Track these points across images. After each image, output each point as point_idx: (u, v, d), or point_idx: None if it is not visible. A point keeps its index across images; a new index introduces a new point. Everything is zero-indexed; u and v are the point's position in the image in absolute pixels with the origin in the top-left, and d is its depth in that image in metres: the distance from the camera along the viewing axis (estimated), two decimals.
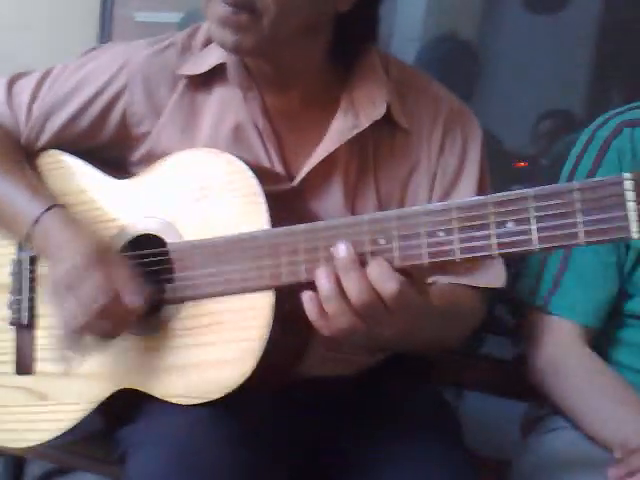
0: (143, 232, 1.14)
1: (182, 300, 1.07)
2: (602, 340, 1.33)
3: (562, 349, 1.30)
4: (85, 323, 1.03)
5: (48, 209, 1.13)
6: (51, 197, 1.17)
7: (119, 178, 1.19)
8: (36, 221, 1.13)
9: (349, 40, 1.16)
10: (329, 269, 0.92)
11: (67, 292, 1.05)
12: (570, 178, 1.34)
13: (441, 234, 0.88)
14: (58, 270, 1.07)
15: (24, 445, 1.20)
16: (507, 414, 1.67)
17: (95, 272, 1.04)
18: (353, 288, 0.90)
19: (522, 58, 2.10)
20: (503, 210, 0.85)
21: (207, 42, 1.22)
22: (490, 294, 1.22)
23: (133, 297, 1.04)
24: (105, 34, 2.30)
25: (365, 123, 1.14)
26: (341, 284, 0.91)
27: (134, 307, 1.04)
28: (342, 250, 0.91)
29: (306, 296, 0.92)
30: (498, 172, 1.27)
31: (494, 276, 1.20)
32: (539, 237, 0.82)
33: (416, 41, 2.20)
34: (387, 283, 0.89)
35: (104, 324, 1.04)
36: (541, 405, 1.42)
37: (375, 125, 1.15)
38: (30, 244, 1.16)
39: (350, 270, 0.90)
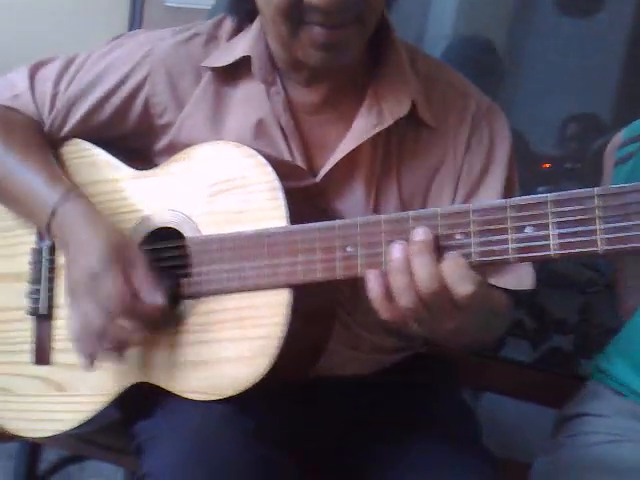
0: (162, 225, 1.13)
1: (199, 295, 1.07)
2: None
3: None
4: (102, 326, 1.03)
5: (65, 198, 1.13)
6: (70, 185, 1.17)
7: (140, 169, 1.19)
8: (53, 212, 1.13)
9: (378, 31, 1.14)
10: (405, 245, 0.89)
11: (84, 294, 1.05)
12: None
13: (458, 237, 0.87)
14: (75, 270, 1.08)
15: (41, 435, 1.21)
16: (524, 417, 1.67)
17: (112, 272, 1.04)
18: (423, 272, 0.87)
19: (552, 60, 2.08)
20: (522, 215, 0.83)
21: (233, 33, 1.21)
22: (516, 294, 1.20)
23: (153, 297, 1.03)
24: (135, 19, 2.31)
25: (389, 120, 1.13)
26: (411, 266, 0.88)
27: (154, 307, 1.03)
28: (419, 234, 0.88)
29: (371, 274, 0.90)
30: (524, 173, 1.25)
31: (524, 278, 1.15)
32: (558, 243, 0.81)
33: (447, 39, 2.19)
34: (462, 283, 0.86)
35: (123, 326, 1.03)
36: (564, 409, 1.41)
37: (400, 122, 1.14)
38: (50, 234, 1.16)
39: (425, 254, 0.87)
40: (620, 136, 1.46)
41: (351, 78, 1.17)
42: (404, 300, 0.89)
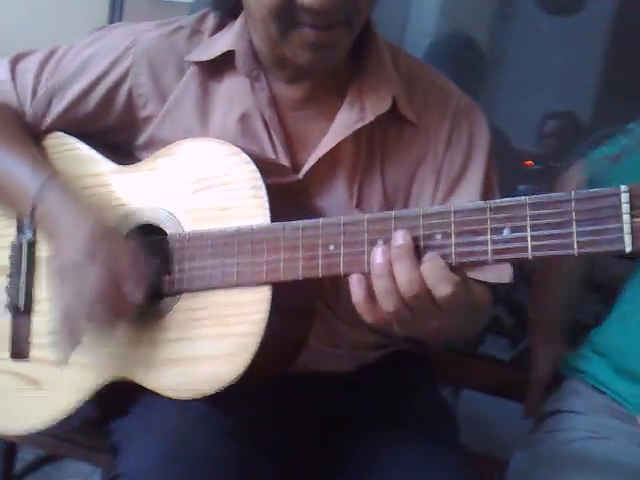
0: (144, 222, 1.13)
1: (179, 292, 1.07)
2: None
3: None
4: (83, 310, 1.02)
5: (50, 184, 1.12)
6: (54, 171, 1.16)
7: (122, 164, 1.18)
8: (38, 198, 1.12)
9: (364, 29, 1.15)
10: (385, 249, 0.89)
11: (68, 278, 1.04)
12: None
13: (438, 237, 0.87)
14: (60, 254, 1.07)
15: (17, 432, 1.20)
16: (503, 413, 1.68)
17: (96, 264, 1.03)
18: (404, 277, 0.87)
19: (532, 58, 2.10)
20: (501, 216, 0.84)
21: (216, 28, 1.21)
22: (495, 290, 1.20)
23: (133, 291, 1.03)
24: (116, 12, 2.30)
25: (370, 116, 1.13)
26: (393, 270, 0.89)
27: (132, 300, 1.03)
28: (398, 238, 0.89)
29: (354, 278, 0.90)
30: (505, 170, 1.26)
31: (503, 272, 1.17)
32: (534, 245, 0.82)
33: (429, 37, 2.20)
34: (442, 284, 0.87)
35: (103, 313, 1.03)
36: (542, 406, 1.42)
37: (382, 118, 1.14)
38: (34, 223, 1.15)
39: (405, 259, 0.88)
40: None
41: (334, 75, 1.17)
42: (387, 304, 0.89)
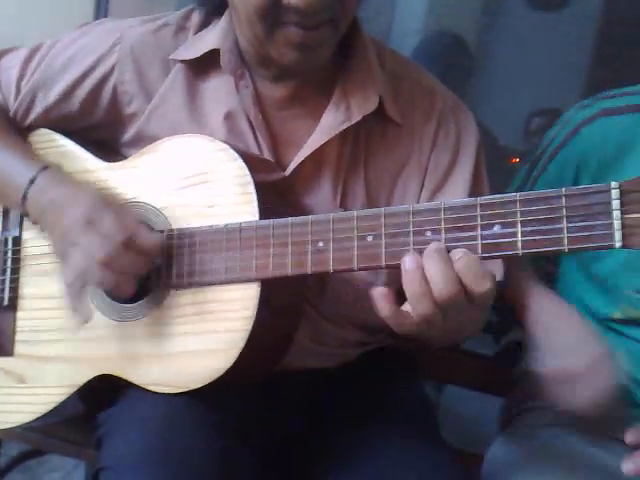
0: None
1: (168, 288, 1.07)
2: None
3: None
4: (108, 256, 1.00)
5: (43, 169, 1.13)
6: (47, 164, 1.15)
7: (109, 161, 1.18)
8: (32, 181, 1.12)
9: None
10: (416, 255, 0.88)
11: (83, 234, 1.03)
12: (544, 149, 1.35)
13: (428, 234, 0.88)
14: (73, 211, 1.05)
15: (3, 426, 1.20)
16: (486, 409, 1.68)
17: (109, 212, 1.03)
18: (439, 278, 0.86)
19: (519, 55, 2.10)
20: (491, 213, 0.84)
21: (202, 25, 1.20)
22: None
23: (150, 234, 1.03)
24: (102, 7, 2.28)
25: (357, 116, 1.13)
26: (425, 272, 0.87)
27: (153, 241, 1.03)
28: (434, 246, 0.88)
29: (377, 293, 0.89)
30: (494, 168, 1.26)
31: (497, 270, 1.15)
32: (523, 241, 0.82)
33: (415, 34, 2.20)
34: (480, 281, 0.86)
35: (127, 259, 1.01)
36: (519, 401, 1.42)
37: (368, 118, 1.14)
38: (24, 207, 1.14)
39: (437, 259, 0.86)
40: None
41: (319, 74, 1.17)
42: (420, 308, 0.88)
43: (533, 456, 1.25)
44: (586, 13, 2.07)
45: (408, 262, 0.88)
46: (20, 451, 2.12)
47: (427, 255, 0.87)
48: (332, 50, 1.12)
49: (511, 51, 2.13)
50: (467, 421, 1.89)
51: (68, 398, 1.12)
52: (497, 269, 1.15)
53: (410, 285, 0.88)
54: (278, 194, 1.10)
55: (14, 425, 1.17)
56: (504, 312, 1.41)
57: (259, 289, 1.00)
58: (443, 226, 0.87)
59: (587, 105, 1.32)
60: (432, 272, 0.86)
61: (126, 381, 1.07)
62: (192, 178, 1.08)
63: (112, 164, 1.17)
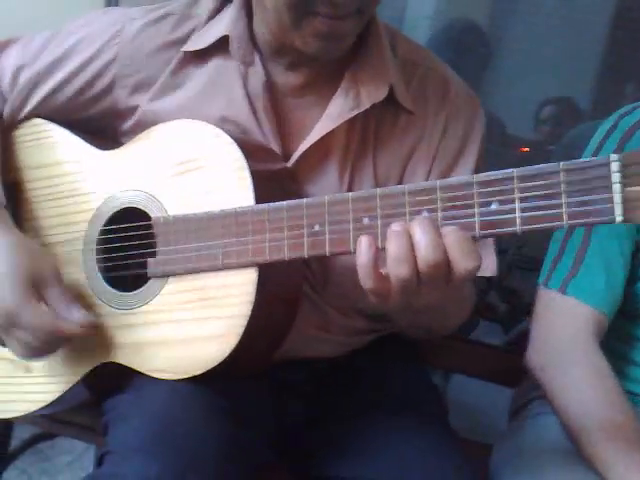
0: (127, 205, 1.12)
1: (165, 275, 1.06)
2: (619, 339, 1.31)
3: (571, 335, 1.22)
4: (38, 349, 1.05)
5: None
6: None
7: (105, 149, 1.17)
8: None
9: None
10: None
11: (9, 328, 1.04)
12: None
13: (425, 213, 0.87)
14: None
15: (11, 415, 1.20)
16: (493, 399, 1.68)
17: (28, 306, 1.03)
18: (427, 243, 0.84)
19: (532, 43, 2.09)
20: (488, 190, 0.83)
21: (211, 15, 1.19)
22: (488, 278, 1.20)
23: (70, 314, 1.03)
24: None
25: (366, 104, 1.12)
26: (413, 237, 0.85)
27: (72, 333, 1.04)
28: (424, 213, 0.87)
29: (364, 241, 0.87)
30: (502, 157, 1.25)
31: (487, 266, 1.16)
32: (522, 217, 0.81)
33: (429, 19, 2.19)
34: (467, 258, 0.84)
35: (57, 343, 1.06)
36: (526, 390, 1.42)
37: (378, 105, 1.13)
38: None
39: (428, 227, 0.84)
40: None
41: (333, 62, 1.15)
42: (399, 270, 0.86)
43: (539, 448, 1.24)
44: (600, 1, 2.05)
45: (398, 224, 0.86)
46: (32, 434, 2.14)
47: (419, 221, 0.85)
48: (354, 40, 1.11)
49: (523, 39, 2.12)
50: (474, 410, 1.89)
51: (74, 386, 1.12)
52: (490, 263, 1.15)
53: (395, 246, 0.85)
54: (276, 180, 1.09)
55: (21, 414, 1.18)
56: (512, 300, 1.40)
57: (257, 274, 0.99)
58: (439, 205, 0.86)
59: (629, 112, 1.29)
60: (420, 237, 0.84)
61: (130, 368, 1.07)
62: (187, 164, 1.07)
63: (107, 152, 1.17)
